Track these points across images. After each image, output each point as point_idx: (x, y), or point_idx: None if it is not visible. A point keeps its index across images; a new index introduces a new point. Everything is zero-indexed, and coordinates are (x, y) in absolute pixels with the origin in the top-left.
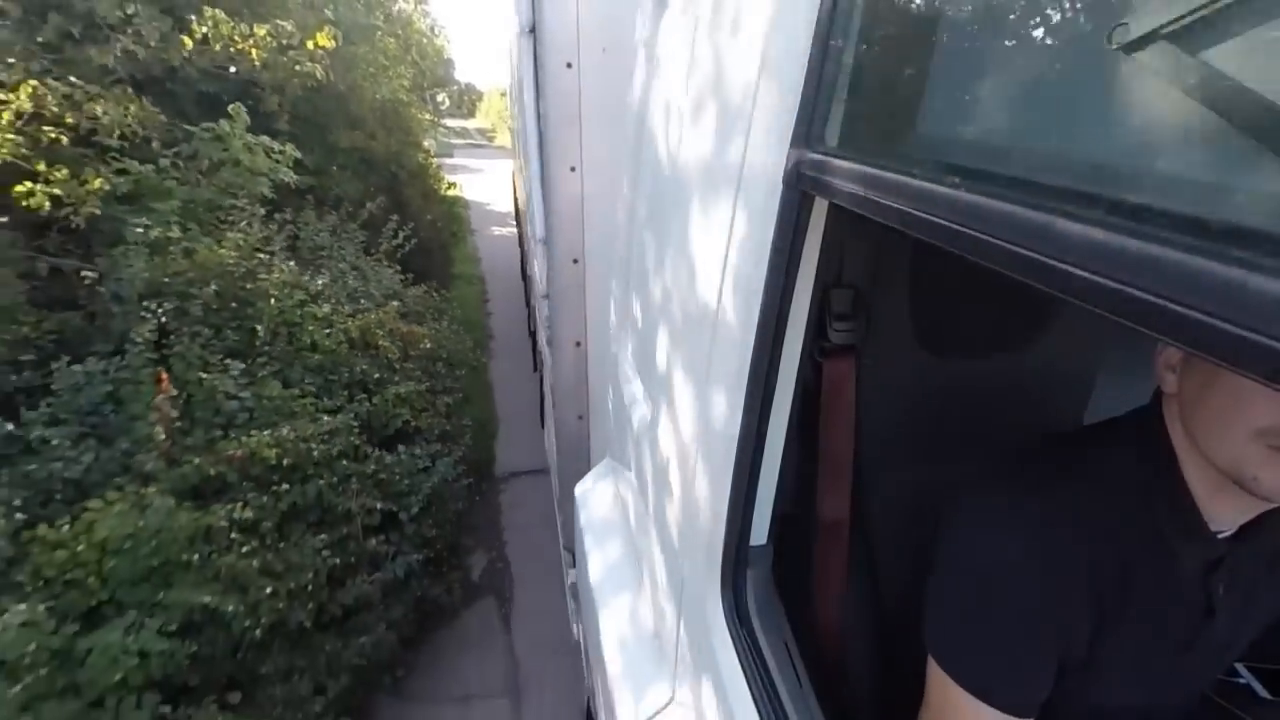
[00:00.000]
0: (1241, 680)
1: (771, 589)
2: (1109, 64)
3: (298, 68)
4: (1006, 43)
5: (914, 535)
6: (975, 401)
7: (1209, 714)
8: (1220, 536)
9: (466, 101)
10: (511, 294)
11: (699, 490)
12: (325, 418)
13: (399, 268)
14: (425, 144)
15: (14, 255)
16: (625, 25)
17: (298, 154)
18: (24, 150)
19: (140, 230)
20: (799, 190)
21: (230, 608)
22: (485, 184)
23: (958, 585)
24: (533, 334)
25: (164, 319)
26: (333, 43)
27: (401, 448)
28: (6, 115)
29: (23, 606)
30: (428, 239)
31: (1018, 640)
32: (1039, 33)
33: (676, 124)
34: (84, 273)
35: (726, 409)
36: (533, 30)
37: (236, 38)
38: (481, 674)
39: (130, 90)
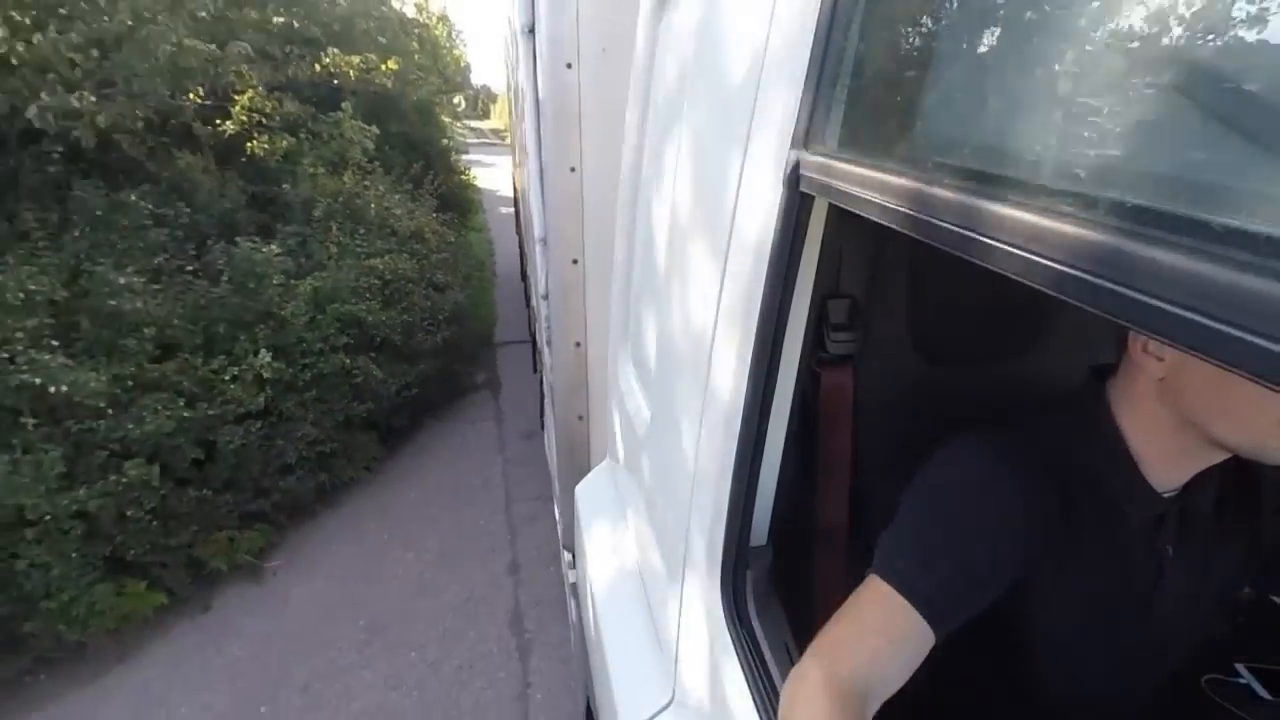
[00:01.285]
0: (1242, 680)
1: (771, 589)
2: (1109, 64)
3: (375, 81)
4: (1007, 44)
5: None
6: (973, 408)
7: (1208, 714)
8: (1165, 495)
9: (482, 104)
10: (507, 252)
11: (699, 490)
12: (403, 264)
13: (437, 202)
14: (444, 141)
15: (241, 183)
16: (625, 25)
17: (376, 131)
18: (245, 124)
19: (308, 168)
20: (799, 192)
21: (370, 318)
22: (496, 176)
23: (910, 502)
24: (533, 335)
25: (319, 212)
26: (397, 65)
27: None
28: (240, 104)
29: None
30: (450, 193)
31: (946, 543)
32: (1039, 34)
33: (676, 125)
34: (282, 186)
35: (727, 410)
36: (532, 30)
37: (343, 64)
38: (482, 413)
39: (286, 93)
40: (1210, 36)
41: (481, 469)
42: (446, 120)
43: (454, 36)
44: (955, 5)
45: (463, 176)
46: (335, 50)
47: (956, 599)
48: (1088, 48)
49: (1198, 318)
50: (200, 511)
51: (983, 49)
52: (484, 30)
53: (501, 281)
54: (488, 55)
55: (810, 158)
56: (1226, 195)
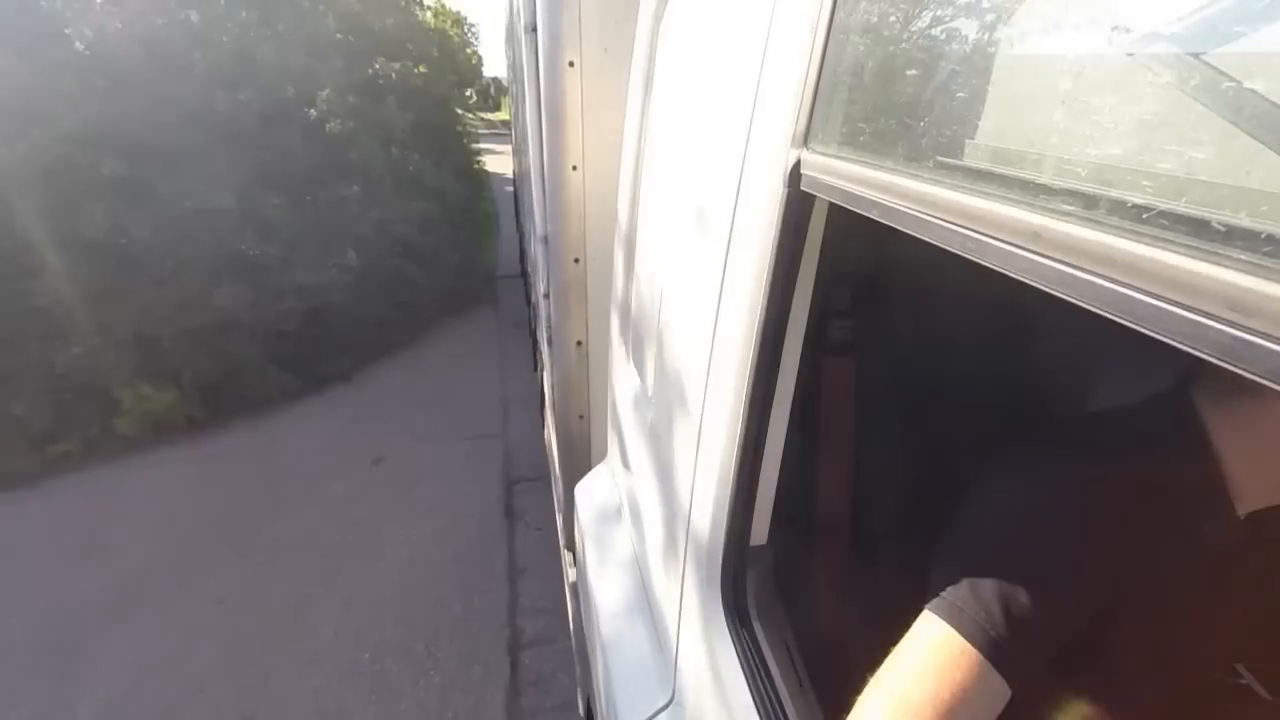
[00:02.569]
0: (1242, 680)
1: (771, 589)
2: (1109, 64)
3: (408, 81)
4: (1007, 43)
5: (914, 533)
6: (975, 400)
7: (1209, 713)
8: (1242, 516)
9: (492, 96)
10: (507, 215)
11: (699, 490)
12: (432, 207)
13: (453, 175)
14: (458, 128)
15: (320, 150)
16: (627, 24)
17: (411, 118)
18: (323, 112)
19: (365, 143)
20: (799, 190)
21: (411, 239)
22: (505, 161)
23: (978, 532)
24: (532, 333)
25: (375, 172)
26: (424, 70)
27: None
28: (321, 98)
29: None
30: (464, 169)
31: (1030, 592)
32: (1039, 33)
33: (677, 123)
34: (350, 155)
35: (727, 409)
36: (534, 28)
37: (387, 70)
38: (486, 311)
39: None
40: (1210, 34)
41: (486, 338)
42: (460, 112)
43: (468, 31)
44: (955, 4)
45: (474, 159)
46: (382, 59)
47: (1038, 653)
48: (1088, 46)
49: (1199, 317)
50: (323, 342)
51: (983, 47)
52: (495, 21)
53: (501, 241)
54: (497, 48)
55: (811, 156)
56: (1228, 195)
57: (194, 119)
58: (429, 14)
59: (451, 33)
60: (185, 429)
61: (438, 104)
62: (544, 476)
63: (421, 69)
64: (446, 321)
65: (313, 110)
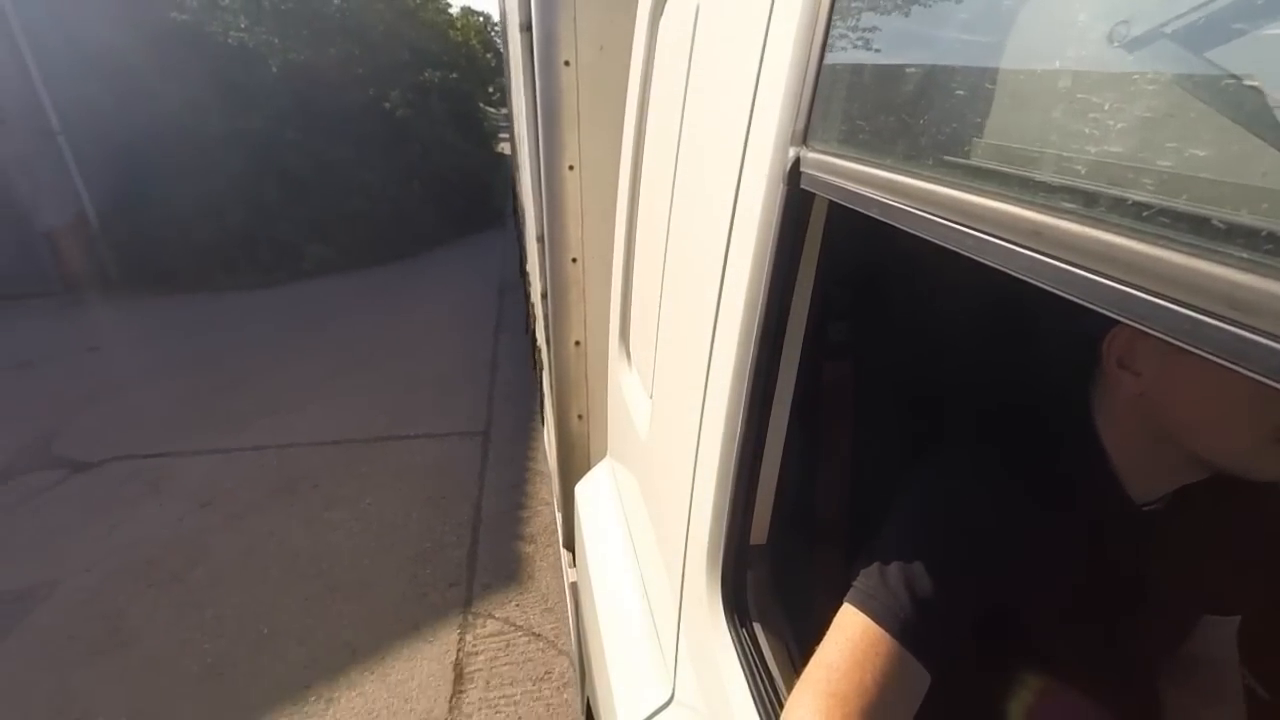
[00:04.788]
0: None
1: (771, 588)
2: (1110, 62)
3: (448, 84)
4: (1007, 41)
5: None
6: (975, 399)
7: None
8: (1146, 509)
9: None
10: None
11: (699, 490)
12: (467, 163)
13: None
14: (479, 117)
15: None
16: (623, 22)
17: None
18: (395, 104)
19: (422, 126)
20: (799, 188)
21: (452, 179)
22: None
23: (896, 530)
24: (529, 333)
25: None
26: (456, 76)
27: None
28: (394, 94)
29: None
30: (485, 149)
31: (938, 581)
32: (1039, 31)
33: (675, 122)
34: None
35: (727, 409)
36: (529, 27)
37: (434, 76)
38: (495, 232)
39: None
40: (1211, 30)
41: (492, 245)
42: (482, 106)
43: (491, 32)
44: (955, 3)
45: (493, 141)
46: (429, 69)
47: (948, 633)
48: (1089, 43)
49: (1199, 315)
50: (406, 230)
51: (984, 44)
52: None
53: (510, 198)
54: None
55: (810, 155)
56: (1228, 193)
57: (329, 109)
58: (457, 30)
59: (474, 42)
60: (339, 269)
61: (465, 98)
62: (519, 286)
63: (454, 75)
64: (469, 237)
65: (388, 103)
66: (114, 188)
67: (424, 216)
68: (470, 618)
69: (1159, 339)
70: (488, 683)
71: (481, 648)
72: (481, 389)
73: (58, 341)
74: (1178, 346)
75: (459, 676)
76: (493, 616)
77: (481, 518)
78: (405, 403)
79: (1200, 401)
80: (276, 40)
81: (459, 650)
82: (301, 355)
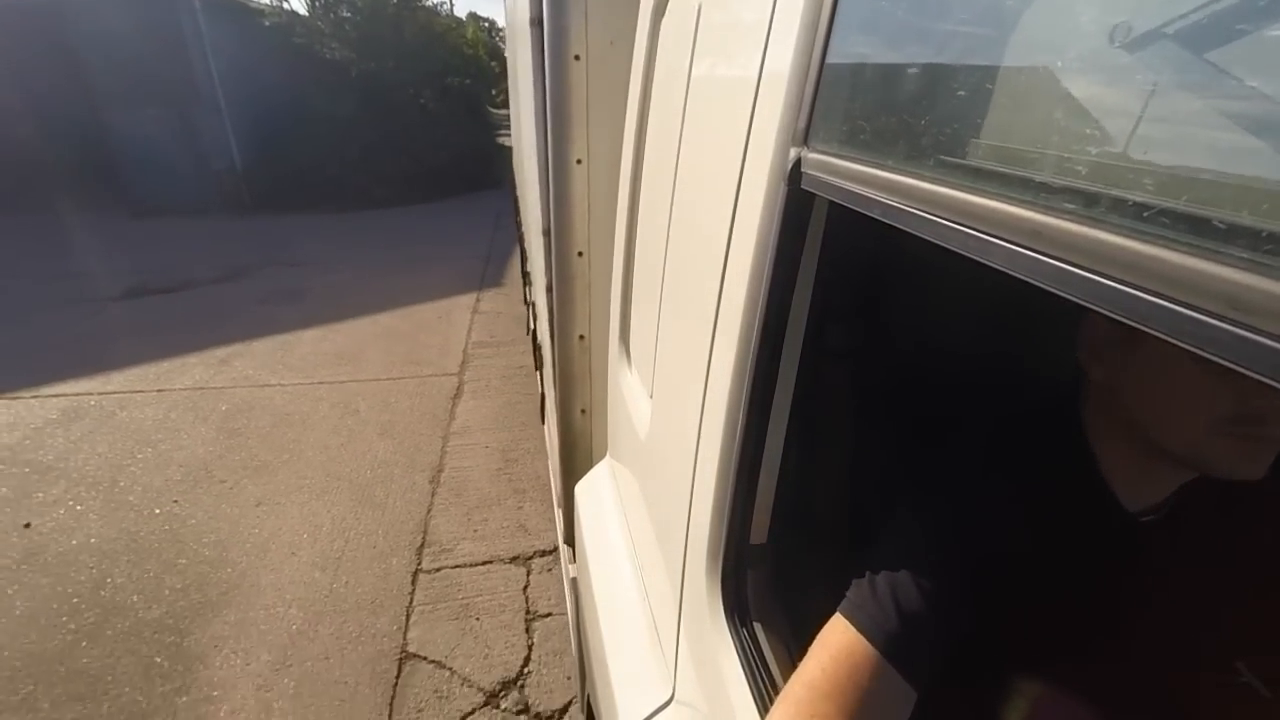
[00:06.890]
0: (1242, 680)
1: (771, 588)
2: (1110, 62)
3: (463, 87)
4: (1007, 42)
5: None
6: (975, 401)
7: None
8: (1143, 521)
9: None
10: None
11: (699, 490)
12: (479, 139)
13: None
14: (484, 114)
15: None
16: (634, 17)
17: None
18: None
19: (448, 119)
20: (800, 189)
21: (464, 149)
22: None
23: (886, 544)
24: (530, 333)
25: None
26: (469, 81)
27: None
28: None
29: None
30: (491, 141)
31: (926, 598)
32: (1040, 31)
33: (677, 122)
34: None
35: (727, 409)
36: (538, 22)
37: (455, 82)
38: (492, 192)
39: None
40: (1211, 31)
41: (490, 199)
42: (489, 108)
43: (496, 38)
44: (955, 3)
45: (495, 135)
46: (451, 76)
47: (933, 648)
48: (1089, 43)
49: (1199, 315)
50: (426, 179)
51: (984, 45)
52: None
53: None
54: None
55: (811, 155)
56: (1229, 194)
57: (386, 102)
58: (470, 45)
59: (481, 53)
60: (392, 205)
61: (475, 99)
62: (509, 214)
63: (468, 81)
64: (478, 190)
65: (423, 100)
66: (253, 147)
67: (447, 176)
68: (481, 293)
69: (1120, 325)
70: (487, 317)
71: (486, 308)
72: (485, 242)
73: (249, 232)
74: (1132, 333)
75: (475, 312)
76: (492, 304)
77: (484, 280)
78: (448, 246)
79: (1153, 390)
80: (354, 55)
81: (476, 300)
82: (380, 237)
